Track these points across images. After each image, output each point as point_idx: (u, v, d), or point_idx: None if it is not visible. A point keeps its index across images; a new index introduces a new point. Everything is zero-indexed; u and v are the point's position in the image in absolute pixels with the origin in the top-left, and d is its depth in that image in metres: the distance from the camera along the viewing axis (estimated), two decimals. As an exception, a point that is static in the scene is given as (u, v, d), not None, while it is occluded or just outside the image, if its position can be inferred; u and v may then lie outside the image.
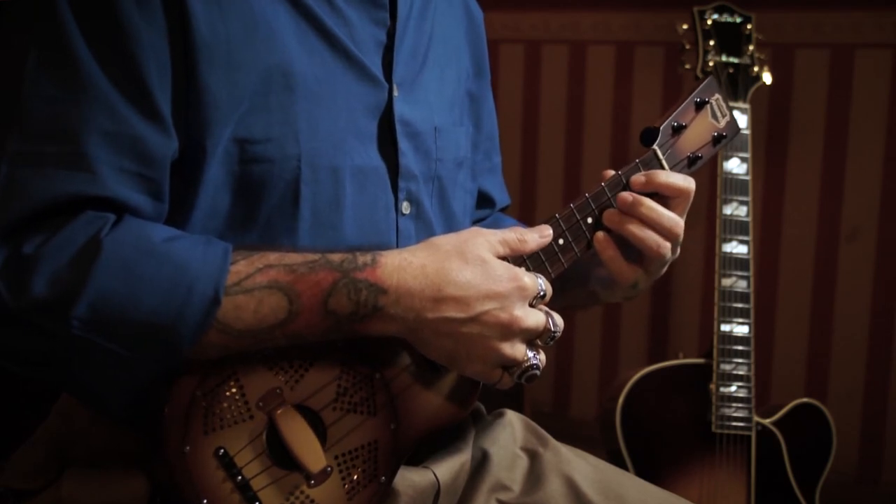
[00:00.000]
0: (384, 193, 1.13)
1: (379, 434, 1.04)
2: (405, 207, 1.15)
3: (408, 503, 1.11)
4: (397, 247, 1.13)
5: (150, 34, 0.96)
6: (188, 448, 0.95)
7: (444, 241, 1.03)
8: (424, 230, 1.17)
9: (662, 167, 1.18)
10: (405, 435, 1.06)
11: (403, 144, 1.14)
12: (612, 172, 1.17)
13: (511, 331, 1.01)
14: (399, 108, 1.13)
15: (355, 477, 1.03)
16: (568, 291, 1.27)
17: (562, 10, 3.24)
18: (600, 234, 1.14)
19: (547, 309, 1.06)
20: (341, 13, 1.10)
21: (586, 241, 1.14)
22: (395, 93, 1.14)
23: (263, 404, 0.98)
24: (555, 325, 1.05)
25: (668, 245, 1.14)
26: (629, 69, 3.12)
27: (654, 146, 1.18)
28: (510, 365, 1.03)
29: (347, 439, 1.02)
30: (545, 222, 1.13)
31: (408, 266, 0.99)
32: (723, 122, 1.23)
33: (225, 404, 0.96)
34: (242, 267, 0.95)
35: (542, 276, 1.06)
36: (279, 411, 0.98)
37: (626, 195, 1.13)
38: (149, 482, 1.04)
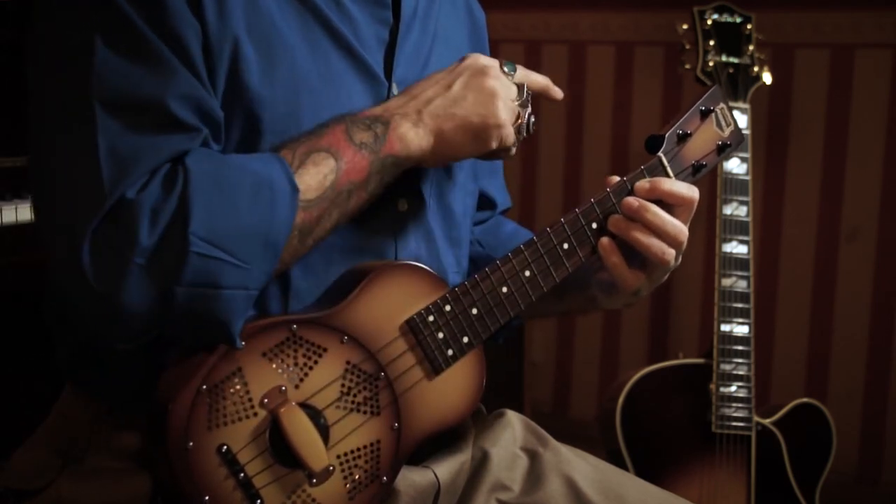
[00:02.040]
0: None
1: (381, 434, 1.04)
2: (402, 205, 1.15)
3: (408, 503, 1.11)
4: (396, 246, 1.14)
5: (189, 17, 0.99)
6: (191, 444, 0.95)
7: None
8: (422, 229, 1.17)
9: (667, 175, 1.18)
10: (407, 435, 1.06)
11: None
12: (616, 178, 1.17)
13: (488, 72, 1.10)
14: None
15: (357, 476, 1.03)
16: (568, 295, 1.27)
17: (562, 10, 3.24)
18: (605, 240, 1.14)
19: None
20: (346, 11, 1.11)
21: (591, 246, 1.14)
22: (394, 91, 1.14)
23: (267, 402, 0.98)
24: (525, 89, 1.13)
25: (672, 252, 1.14)
26: (629, 69, 3.12)
27: (660, 153, 1.18)
28: (512, 105, 1.10)
29: (350, 439, 1.02)
30: (550, 227, 1.13)
31: (384, 102, 1.10)
32: (727, 132, 1.24)
33: (228, 401, 0.96)
34: (286, 154, 1.01)
35: None
36: (283, 409, 0.98)
37: (632, 200, 1.13)
38: (149, 481, 1.04)
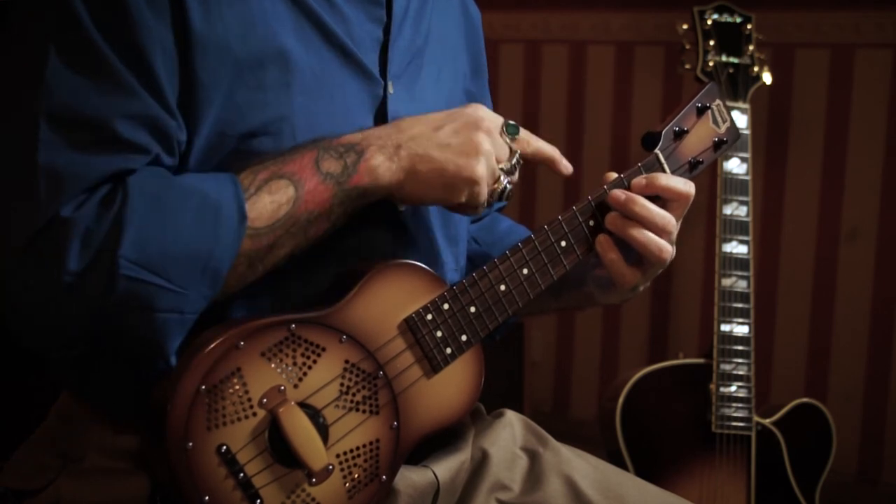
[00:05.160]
0: None
1: (380, 433, 1.04)
2: (400, 204, 1.15)
3: (407, 502, 1.11)
4: (393, 244, 1.14)
5: (158, 28, 0.97)
6: (190, 444, 0.95)
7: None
8: (420, 228, 1.17)
9: (664, 171, 1.18)
10: (406, 434, 1.06)
11: None
12: (614, 175, 1.17)
13: (481, 126, 1.06)
14: (393, 106, 1.14)
15: (356, 476, 1.03)
16: (565, 292, 1.27)
17: (562, 10, 3.24)
18: (602, 237, 1.14)
19: None
20: (339, 10, 1.10)
21: (588, 243, 1.15)
22: (390, 90, 1.14)
23: (266, 401, 0.98)
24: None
25: (669, 249, 1.14)
26: (629, 69, 3.13)
27: (657, 150, 1.18)
28: (494, 166, 1.07)
29: (349, 438, 1.02)
30: (548, 224, 1.13)
31: (368, 129, 1.07)
32: (723, 128, 1.24)
33: (228, 401, 0.96)
34: (245, 177, 1.00)
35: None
36: (282, 409, 0.98)
37: (619, 193, 1.14)
38: (149, 482, 1.04)
